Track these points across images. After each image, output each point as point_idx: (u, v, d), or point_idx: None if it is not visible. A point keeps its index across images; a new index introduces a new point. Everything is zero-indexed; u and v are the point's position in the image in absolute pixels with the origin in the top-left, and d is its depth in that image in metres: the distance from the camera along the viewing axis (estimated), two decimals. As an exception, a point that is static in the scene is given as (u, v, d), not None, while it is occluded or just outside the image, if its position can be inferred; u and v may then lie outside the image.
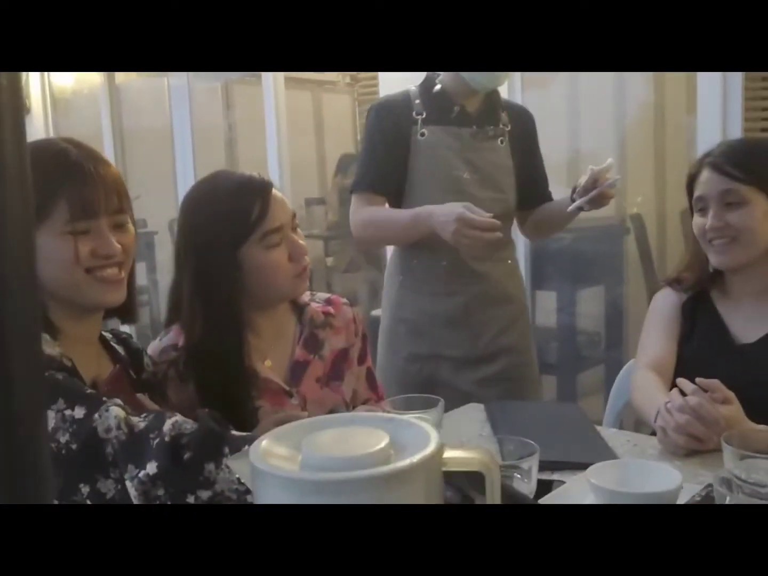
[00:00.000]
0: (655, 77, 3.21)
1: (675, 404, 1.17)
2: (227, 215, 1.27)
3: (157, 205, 4.58)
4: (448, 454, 0.58)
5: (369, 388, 1.50)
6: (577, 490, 1.00)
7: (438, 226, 1.60)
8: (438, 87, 1.82)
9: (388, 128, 1.82)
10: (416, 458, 0.55)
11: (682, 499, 0.92)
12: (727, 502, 0.83)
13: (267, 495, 0.56)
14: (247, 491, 0.89)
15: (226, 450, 0.91)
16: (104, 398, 0.98)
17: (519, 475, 1.02)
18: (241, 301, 1.30)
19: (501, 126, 1.84)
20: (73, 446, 0.93)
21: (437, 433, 0.60)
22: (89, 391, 1.00)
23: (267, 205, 1.27)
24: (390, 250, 2.24)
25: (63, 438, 0.94)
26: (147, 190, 4.05)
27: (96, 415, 0.95)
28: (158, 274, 5.24)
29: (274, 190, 1.30)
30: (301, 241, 1.33)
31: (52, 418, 0.95)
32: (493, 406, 1.44)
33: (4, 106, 0.36)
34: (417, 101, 1.82)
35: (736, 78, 2.23)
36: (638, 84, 3.19)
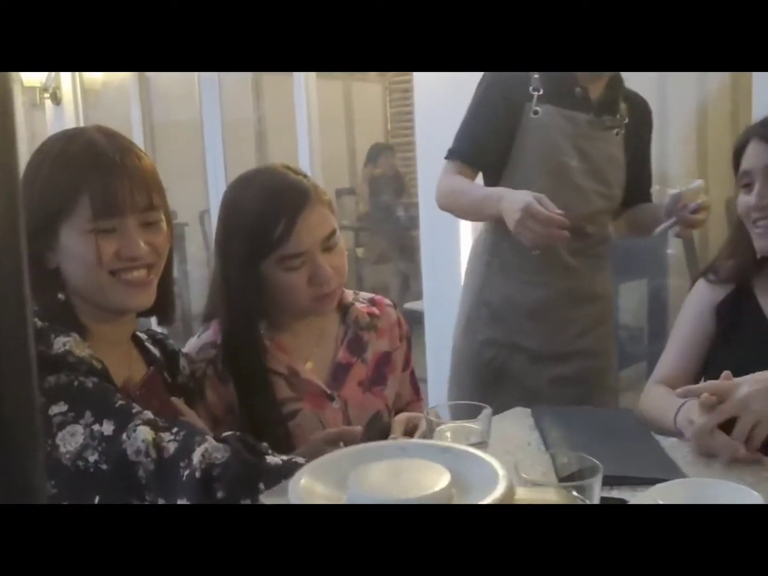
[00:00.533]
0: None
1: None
2: (250, 228, 1.19)
3: (188, 197, 4.56)
4: (521, 495, 0.50)
5: (413, 391, 1.44)
6: (642, 511, 0.92)
7: (505, 212, 1.51)
8: None
9: (498, 99, 1.69)
10: (486, 502, 0.47)
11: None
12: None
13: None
14: None
15: (262, 486, 0.82)
16: (134, 410, 0.91)
17: (576, 493, 0.94)
18: (257, 309, 1.24)
19: (619, 117, 1.71)
20: (103, 467, 0.87)
21: (502, 469, 0.52)
22: (119, 403, 0.92)
23: (292, 227, 1.17)
24: (466, 230, 2.16)
25: (92, 457, 0.87)
26: (177, 181, 4.02)
27: (124, 436, 0.87)
28: (189, 265, 5.22)
29: (312, 206, 1.20)
30: (330, 265, 1.21)
31: (81, 434, 0.88)
32: (541, 412, 1.36)
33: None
34: (536, 75, 1.67)
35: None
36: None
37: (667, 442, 1.19)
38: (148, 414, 0.91)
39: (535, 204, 1.44)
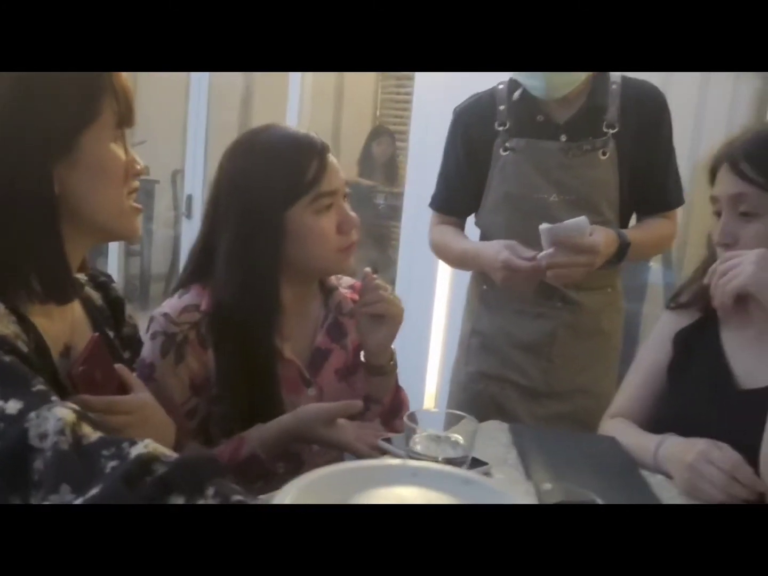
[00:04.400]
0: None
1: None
2: (283, 168, 1.15)
3: (162, 154, 4.42)
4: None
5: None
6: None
7: (487, 270, 1.48)
8: (519, 92, 1.54)
9: (467, 140, 1.61)
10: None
11: None
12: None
13: None
14: None
15: (211, 492, 0.64)
16: (53, 397, 0.73)
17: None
18: (279, 270, 1.18)
19: (603, 135, 1.52)
20: None
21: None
22: (38, 387, 0.73)
23: (324, 165, 1.18)
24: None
25: None
26: (154, 137, 3.86)
27: (32, 415, 0.68)
28: (154, 224, 5.07)
29: (329, 152, 1.20)
30: (352, 213, 1.21)
31: None
32: (520, 431, 1.27)
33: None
34: (501, 107, 1.56)
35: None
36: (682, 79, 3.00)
37: (655, 479, 1.11)
38: (73, 405, 0.73)
39: (512, 260, 1.39)
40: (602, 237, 1.41)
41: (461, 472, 0.44)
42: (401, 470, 0.45)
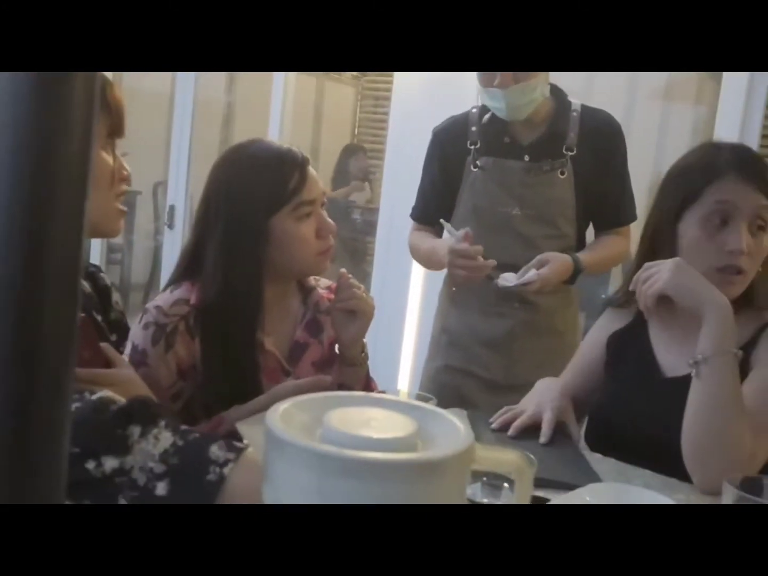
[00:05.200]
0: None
1: None
2: (267, 179, 1.27)
3: (145, 165, 4.51)
4: (481, 452, 0.54)
5: None
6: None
7: (444, 262, 1.64)
8: (488, 115, 1.72)
9: (443, 157, 1.79)
10: (450, 451, 0.51)
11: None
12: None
13: (282, 470, 0.52)
14: (161, 477, 0.71)
15: (163, 423, 0.74)
16: None
17: (508, 485, 0.98)
18: (263, 270, 1.29)
19: (562, 157, 1.70)
20: None
21: (465, 428, 0.56)
22: None
23: (305, 177, 1.30)
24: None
25: None
26: (137, 148, 3.97)
27: None
28: (135, 235, 5.16)
29: (308, 165, 1.32)
30: (329, 220, 1.33)
31: None
32: (476, 416, 1.41)
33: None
34: (473, 128, 1.74)
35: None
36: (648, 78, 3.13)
37: (593, 457, 1.26)
38: None
39: (456, 244, 1.58)
40: (555, 270, 1.62)
41: (411, 401, 0.58)
42: (367, 398, 0.59)
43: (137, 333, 1.28)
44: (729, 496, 0.90)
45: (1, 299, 0.32)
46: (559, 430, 1.37)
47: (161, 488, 0.71)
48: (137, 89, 4.62)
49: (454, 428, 0.56)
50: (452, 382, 1.78)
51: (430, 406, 0.59)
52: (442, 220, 1.69)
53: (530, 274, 1.57)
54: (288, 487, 0.51)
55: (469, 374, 1.77)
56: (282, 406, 0.55)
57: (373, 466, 0.49)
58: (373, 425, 0.54)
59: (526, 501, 0.55)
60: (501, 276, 1.60)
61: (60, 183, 0.33)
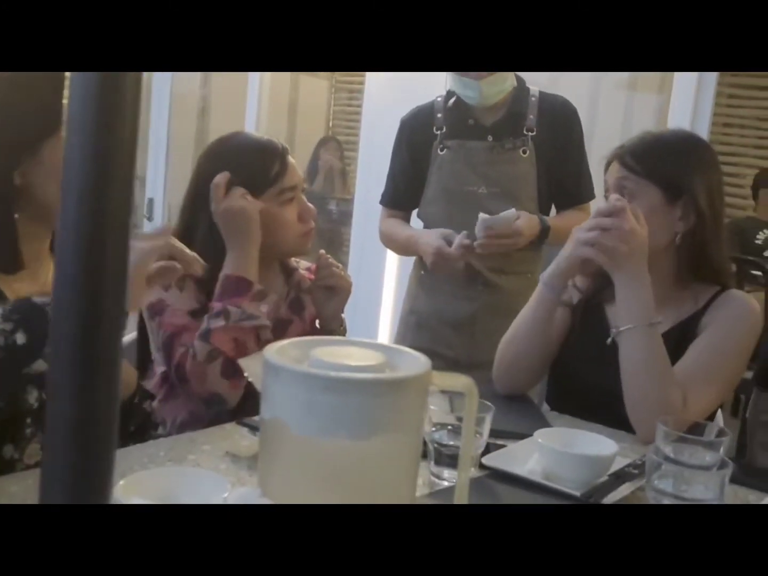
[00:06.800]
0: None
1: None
2: (250, 167, 1.39)
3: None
4: (437, 377, 0.67)
5: None
6: (520, 451, 1.11)
7: (422, 255, 1.80)
8: (453, 100, 1.85)
9: (411, 143, 1.92)
10: (411, 372, 0.64)
11: (615, 467, 1.03)
12: (658, 473, 0.94)
13: (278, 390, 0.65)
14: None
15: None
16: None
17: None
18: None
19: (523, 136, 1.83)
20: None
21: (425, 359, 0.69)
22: None
23: (286, 165, 1.42)
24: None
25: None
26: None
27: None
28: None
29: (288, 154, 1.44)
30: (310, 204, 1.45)
31: None
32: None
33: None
34: (439, 115, 1.87)
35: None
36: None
37: (551, 414, 1.40)
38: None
39: (444, 248, 1.72)
40: (526, 222, 1.75)
41: (381, 342, 0.71)
42: (344, 341, 0.73)
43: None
44: (660, 435, 1.03)
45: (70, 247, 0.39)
46: (521, 396, 1.50)
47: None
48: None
49: (415, 360, 0.69)
50: None
51: (398, 346, 0.72)
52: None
53: (509, 211, 1.69)
54: (283, 404, 0.64)
55: (434, 354, 1.85)
56: (277, 344, 0.68)
57: (351, 383, 0.62)
58: (352, 356, 0.67)
59: (474, 414, 0.68)
60: (480, 215, 1.70)
61: (117, 156, 0.44)
